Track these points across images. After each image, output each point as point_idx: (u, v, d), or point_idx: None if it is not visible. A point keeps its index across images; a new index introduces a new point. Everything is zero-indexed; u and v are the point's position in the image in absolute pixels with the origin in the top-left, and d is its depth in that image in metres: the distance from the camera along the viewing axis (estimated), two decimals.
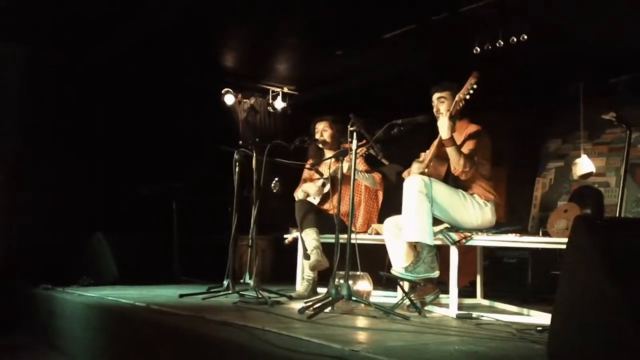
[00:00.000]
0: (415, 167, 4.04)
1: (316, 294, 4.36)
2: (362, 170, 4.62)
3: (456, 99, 3.71)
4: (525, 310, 3.72)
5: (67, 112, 5.83)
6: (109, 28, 5.37)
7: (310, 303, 3.39)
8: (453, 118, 3.69)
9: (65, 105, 5.83)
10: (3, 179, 5.50)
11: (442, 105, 3.91)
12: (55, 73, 5.80)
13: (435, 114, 3.96)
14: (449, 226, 3.74)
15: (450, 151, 3.67)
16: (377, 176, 4.68)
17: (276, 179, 4.67)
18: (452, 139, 3.67)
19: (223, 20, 5.29)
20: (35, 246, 5.35)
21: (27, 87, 5.67)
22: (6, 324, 4.88)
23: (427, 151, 4.09)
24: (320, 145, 4.81)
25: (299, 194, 4.87)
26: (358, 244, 3.77)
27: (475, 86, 3.66)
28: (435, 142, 3.90)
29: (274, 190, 4.67)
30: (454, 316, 3.43)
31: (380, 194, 4.78)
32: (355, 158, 3.62)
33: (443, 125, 3.67)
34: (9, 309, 5.00)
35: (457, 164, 3.67)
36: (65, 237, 5.47)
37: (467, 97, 3.69)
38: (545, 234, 4.66)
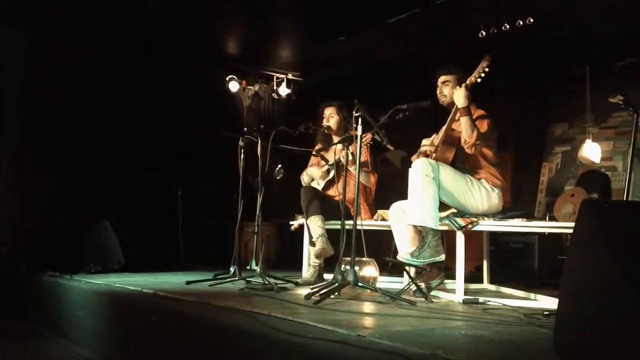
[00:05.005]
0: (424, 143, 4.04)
1: (322, 280, 4.36)
2: (362, 161, 4.58)
3: (467, 82, 3.69)
4: (532, 295, 3.72)
5: (72, 97, 5.81)
6: (108, 11, 5.34)
7: (317, 289, 3.39)
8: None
9: (70, 91, 5.81)
10: (8, 164, 5.52)
11: (446, 89, 3.92)
12: (55, 58, 5.76)
13: (438, 96, 3.96)
14: (455, 211, 3.73)
15: (465, 121, 3.65)
16: (372, 177, 4.68)
17: (279, 165, 4.67)
18: (468, 108, 3.65)
19: (225, 4, 5.26)
20: (42, 233, 5.38)
21: (28, 73, 5.66)
22: (14, 311, 4.92)
23: (434, 135, 4.08)
24: (326, 131, 4.81)
25: (304, 178, 4.87)
26: (364, 230, 3.77)
27: (487, 69, 3.65)
28: (443, 128, 3.88)
29: (277, 178, 4.67)
30: (461, 301, 3.43)
31: (371, 192, 4.77)
32: (361, 144, 3.60)
33: (460, 94, 3.66)
34: (17, 296, 5.04)
35: (469, 136, 3.65)
36: (71, 225, 5.49)
37: (479, 80, 3.68)
38: (552, 219, 4.65)
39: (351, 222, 3.53)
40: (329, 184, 4.78)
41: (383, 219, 4.39)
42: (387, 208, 4.12)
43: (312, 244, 4.40)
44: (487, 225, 3.67)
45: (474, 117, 3.77)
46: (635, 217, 1.91)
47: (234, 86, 6.93)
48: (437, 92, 3.98)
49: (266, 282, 3.90)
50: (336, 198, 4.63)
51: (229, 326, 2.57)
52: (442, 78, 3.97)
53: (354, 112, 3.60)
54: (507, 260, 5.18)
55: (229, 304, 3.03)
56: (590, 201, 1.94)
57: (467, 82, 3.71)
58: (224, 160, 5.45)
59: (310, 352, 2.06)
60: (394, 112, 3.67)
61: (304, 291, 3.56)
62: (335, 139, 4.73)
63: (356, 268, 3.46)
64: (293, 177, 5.00)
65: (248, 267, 4.50)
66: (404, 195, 3.74)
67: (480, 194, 3.74)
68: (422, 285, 3.56)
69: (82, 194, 5.68)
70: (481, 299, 3.44)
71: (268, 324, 2.43)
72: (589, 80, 5.72)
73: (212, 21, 5.70)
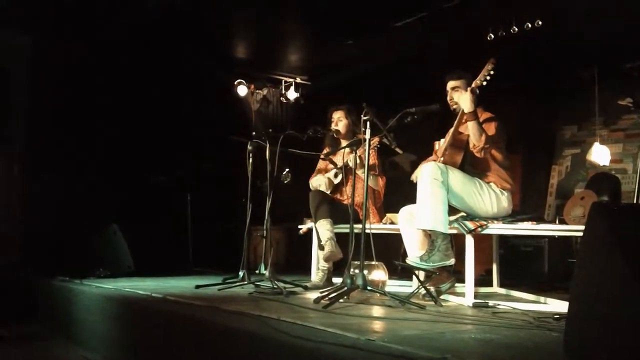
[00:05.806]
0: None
1: (331, 284, 4.36)
2: (371, 164, 4.57)
3: (473, 85, 3.68)
4: (542, 299, 3.70)
5: (80, 101, 5.84)
6: (116, 14, 5.37)
7: (326, 293, 3.39)
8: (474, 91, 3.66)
9: (78, 94, 5.84)
10: (17, 168, 5.55)
11: (456, 95, 3.89)
12: (63, 61, 5.79)
13: (448, 102, 3.94)
14: (464, 215, 3.71)
15: (472, 125, 3.62)
16: (381, 180, 4.68)
17: (286, 169, 4.67)
18: (474, 112, 3.62)
19: (233, 9, 5.28)
20: (50, 237, 5.40)
21: (33, 76, 5.68)
22: (24, 314, 4.94)
23: (443, 139, 4.07)
24: (335, 135, 4.81)
25: (313, 183, 4.88)
26: (373, 234, 3.76)
27: (492, 72, 3.62)
28: (451, 131, 3.87)
29: (284, 181, 4.68)
30: (470, 305, 3.41)
31: (380, 196, 4.77)
32: (369, 148, 3.60)
33: (465, 99, 3.63)
34: (27, 300, 5.06)
35: (477, 140, 3.62)
36: (79, 229, 5.51)
37: (484, 83, 3.65)
38: (562, 222, 4.63)
39: (360, 225, 3.53)
40: (338, 187, 4.78)
41: (392, 223, 4.38)
42: (396, 211, 4.11)
43: (321, 247, 4.40)
44: (497, 228, 3.66)
45: (481, 119, 3.76)
46: None
47: (242, 90, 6.95)
48: (448, 98, 3.95)
49: (275, 286, 3.90)
50: (345, 202, 4.63)
51: (238, 330, 2.57)
52: (451, 84, 3.93)
53: (362, 116, 3.59)
54: (517, 263, 5.16)
55: (238, 308, 3.03)
56: (600, 204, 1.93)
57: (473, 85, 3.69)
58: (232, 164, 5.47)
59: (319, 356, 2.05)
60: (403, 115, 3.65)
61: (313, 295, 3.56)
62: (344, 142, 4.73)
63: (365, 272, 3.46)
64: (302, 181, 5.00)
65: (257, 271, 4.51)
66: (412, 199, 3.73)
67: (489, 197, 3.72)
68: (432, 289, 3.55)
69: (90, 198, 5.70)
70: (491, 303, 3.43)
71: (277, 328, 2.43)
72: (598, 83, 5.70)
73: (221, 25, 5.72)
